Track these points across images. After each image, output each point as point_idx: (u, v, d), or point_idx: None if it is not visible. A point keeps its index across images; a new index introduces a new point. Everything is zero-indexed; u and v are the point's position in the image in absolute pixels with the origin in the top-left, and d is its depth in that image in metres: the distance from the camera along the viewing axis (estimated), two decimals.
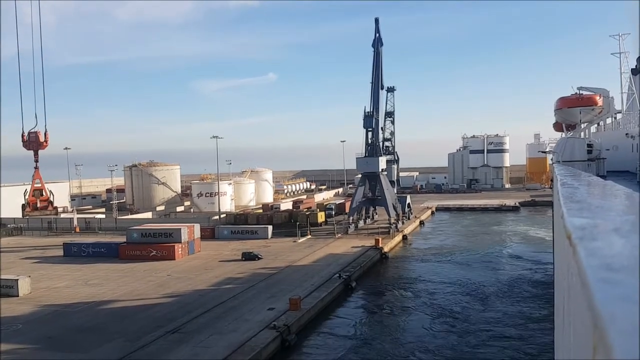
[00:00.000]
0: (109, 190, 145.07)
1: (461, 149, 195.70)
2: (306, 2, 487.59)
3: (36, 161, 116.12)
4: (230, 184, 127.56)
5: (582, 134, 72.67)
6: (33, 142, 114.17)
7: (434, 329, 44.33)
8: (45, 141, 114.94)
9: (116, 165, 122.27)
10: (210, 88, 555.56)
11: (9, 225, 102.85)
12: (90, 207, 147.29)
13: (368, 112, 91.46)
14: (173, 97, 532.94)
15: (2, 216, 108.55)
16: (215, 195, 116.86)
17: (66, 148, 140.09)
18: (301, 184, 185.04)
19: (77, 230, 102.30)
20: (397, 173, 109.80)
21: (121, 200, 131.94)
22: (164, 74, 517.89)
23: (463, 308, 49.70)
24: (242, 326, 42.06)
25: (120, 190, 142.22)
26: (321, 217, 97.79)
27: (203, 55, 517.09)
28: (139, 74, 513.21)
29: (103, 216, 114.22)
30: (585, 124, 74.04)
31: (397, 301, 54.04)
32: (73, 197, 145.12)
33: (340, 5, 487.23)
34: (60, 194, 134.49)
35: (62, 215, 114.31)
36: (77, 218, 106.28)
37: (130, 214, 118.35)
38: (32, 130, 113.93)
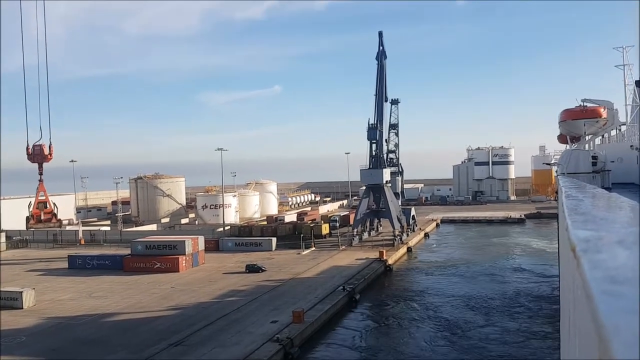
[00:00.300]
0: (114, 203, 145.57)
1: (466, 161, 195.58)
2: (312, 14, 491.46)
3: (40, 174, 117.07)
4: (234, 196, 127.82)
5: (587, 146, 72.46)
6: (38, 155, 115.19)
7: (435, 343, 44.02)
8: (50, 154, 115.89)
9: (121, 177, 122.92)
10: (216, 100, 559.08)
11: (14, 238, 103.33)
12: (95, 219, 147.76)
13: (372, 124, 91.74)
14: (179, 110, 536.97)
15: (7, 229, 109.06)
16: (219, 207, 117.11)
17: (72, 161, 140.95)
18: (306, 196, 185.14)
19: (82, 242, 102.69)
20: (402, 185, 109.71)
21: (126, 213, 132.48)
22: (170, 86, 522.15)
23: (465, 322, 49.33)
24: (245, 339, 41.96)
25: (126, 203, 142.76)
26: (325, 229, 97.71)
27: (209, 68, 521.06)
28: (146, 86, 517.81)
29: (108, 228, 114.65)
30: (590, 136, 73.87)
31: (400, 314, 53.74)
32: (79, 210, 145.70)
33: (345, 17, 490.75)
34: (66, 206, 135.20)
35: (68, 228, 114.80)
36: (82, 230, 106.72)
37: (135, 226, 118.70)
38: (36, 143, 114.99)
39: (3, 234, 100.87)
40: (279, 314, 48.43)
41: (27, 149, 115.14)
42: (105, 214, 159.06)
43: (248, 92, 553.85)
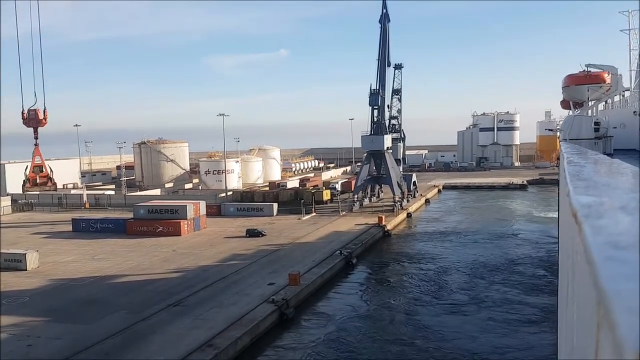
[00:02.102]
0: (119, 167, 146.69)
1: (471, 127, 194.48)
2: None
3: (36, 138, 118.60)
4: (237, 161, 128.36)
5: (590, 111, 71.85)
6: (32, 120, 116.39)
7: (430, 307, 44.94)
8: (45, 119, 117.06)
9: (124, 142, 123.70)
10: (222, 64, 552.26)
11: (19, 201, 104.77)
12: (100, 183, 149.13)
13: (374, 89, 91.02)
14: (185, 73, 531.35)
15: (11, 192, 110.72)
16: (222, 172, 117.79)
17: (76, 125, 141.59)
18: (309, 162, 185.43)
19: (87, 206, 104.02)
20: (403, 151, 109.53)
21: (131, 177, 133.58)
22: (176, 49, 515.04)
23: (459, 286, 50.22)
24: (241, 300, 43.01)
25: (130, 167, 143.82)
26: (326, 195, 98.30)
27: (216, 30, 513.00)
28: (152, 50, 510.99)
29: (112, 193, 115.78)
30: (593, 102, 73.16)
31: (395, 278, 54.69)
32: (83, 174, 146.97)
33: None
34: (71, 170, 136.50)
35: (72, 192, 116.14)
36: (87, 194, 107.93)
37: (140, 191, 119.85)
38: (31, 108, 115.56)
39: (5, 198, 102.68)
40: (276, 277, 49.41)
41: (23, 113, 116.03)
42: (109, 178, 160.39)
43: (255, 55, 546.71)
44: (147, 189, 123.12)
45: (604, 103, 76.73)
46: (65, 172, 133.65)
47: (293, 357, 35.47)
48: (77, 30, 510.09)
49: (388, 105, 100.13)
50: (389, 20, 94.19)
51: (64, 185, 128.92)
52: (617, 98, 76.74)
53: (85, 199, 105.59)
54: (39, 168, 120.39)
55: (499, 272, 54.60)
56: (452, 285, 50.39)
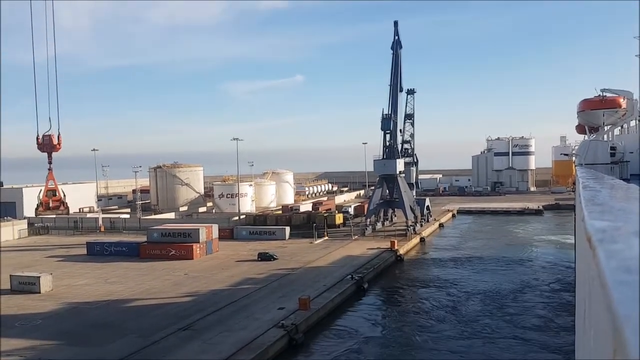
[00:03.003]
0: (134, 191, 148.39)
1: (485, 152, 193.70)
2: (333, 2, 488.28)
3: (50, 163, 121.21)
4: (250, 185, 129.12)
5: (605, 136, 71.46)
6: (47, 145, 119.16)
7: (441, 334, 44.36)
8: (59, 144, 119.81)
9: (140, 166, 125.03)
10: (239, 90, 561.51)
11: (36, 225, 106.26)
12: (116, 207, 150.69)
13: (386, 114, 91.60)
14: (201, 99, 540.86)
15: (28, 215, 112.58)
16: (235, 196, 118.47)
17: (94, 149, 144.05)
18: (323, 186, 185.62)
19: (102, 229, 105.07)
20: (416, 175, 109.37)
21: (146, 201, 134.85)
22: (193, 76, 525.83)
23: (471, 312, 49.56)
24: (251, 324, 42.91)
25: (146, 191, 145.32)
26: (339, 218, 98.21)
27: (233, 57, 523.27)
28: (169, 76, 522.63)
29: (128, 216, 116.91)
30: (609, 127, 72.86)
31: (406, 304, 54.17)
32: (100, 198, 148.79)
33: (367, 5, 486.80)
34: (88, 194, 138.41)
35: (88, 215, 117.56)
36: (102, 218, 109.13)
37: (154, 214, 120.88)
38: (46, 134, 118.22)
39: (21, 221, 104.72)
40: (286, 301, 49.26)
41: (37, 139, 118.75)
42: (125, 202, 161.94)
43: (270, 81, 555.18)
44: (161, 212, 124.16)
45: (619, 128, 76.31)
46: (82, 196, 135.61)
47: None
48: (98, 57, 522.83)
49: (400, 130, 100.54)
50: (400, 47, 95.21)
51: (80, 209, 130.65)
52: (633, 123, 76.00)
53: (100, 222, 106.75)
54: (52, 192, 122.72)
55: (511, 299, 53.81)
56: (465, 312, 49.70)
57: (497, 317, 47.89)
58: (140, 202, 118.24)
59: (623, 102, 67.67)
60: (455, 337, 43.08)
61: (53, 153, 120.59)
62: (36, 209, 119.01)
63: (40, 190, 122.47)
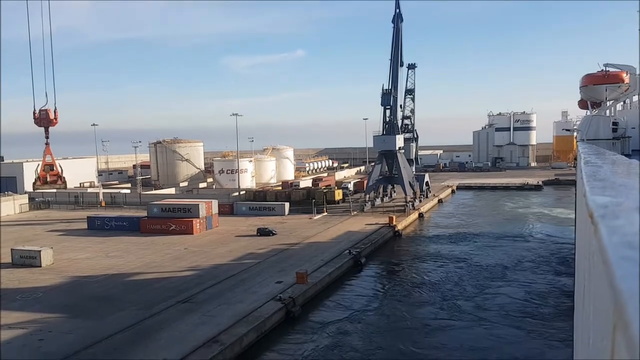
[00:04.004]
0: (135, 166, 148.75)
1: (487, 127, 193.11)
2: None
3: (47, 137, 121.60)
4: (250, 161, 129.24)
5: (608, 112, 71.05)
6: (44, 119, 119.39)
7: (436, 308, 44.96)
8: (55, 118, 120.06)
9: (140, 141, 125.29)
10: (240, 64, 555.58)
11: (36, 199, 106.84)
12: (116, 182, 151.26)
13: (386, 89, 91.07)
14: (202, 74, 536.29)
15: (29, 190, 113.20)
16: (235, 172, 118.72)
17: (94, 124, 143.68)
18: (323, 162, 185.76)
19: (103, 204, 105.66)
20: (416, 151, 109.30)
21: (146, 176, 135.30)
22: (193, 50, 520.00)
23: (465, 288, 50.09)
24: (249, 297, 43.51)
25: (146, 166, 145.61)
26: (338, 194, 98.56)
27: (233, 32, 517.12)
28: (169, 51, 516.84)
29: (128, 191, 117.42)
30: (611, 102, 72.41)
31: (402, 278, 54.72)
32: (100, 172, 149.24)
33: None
34: (88, 169, 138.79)
35: (89, 190, 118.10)
36: (103, 193, 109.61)
37: (155, 190, 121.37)
38: (42, 108, 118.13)
39: (22, 196, 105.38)
40: (284, 275, 49.84)
41: (34, 113, 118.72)
42: (126, 177, 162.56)
43: (271, 55, 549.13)
44: (162, 188, 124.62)
45: (622, 103, 75.89)
46: (83, 171, 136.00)
47: (298, 354, 35.82)
48: (97, 31, 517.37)
49: (401, 105, 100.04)
50: (401, 20, 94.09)
51: (80, 184, 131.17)
52: (635, 98, 75.63)
53: (101, 197, 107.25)
54: (49, 167, 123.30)
55: (507, 272, 54.36)
56: (460, 286, 50.26)
57: (489, 293, 48.41)
58: (141, 177, 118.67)
59: (626, 77, 67.10)
60: (447, 315, 43.65)
61: (50, 128, 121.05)
62: (34, 184, 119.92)
63: (38, 164, 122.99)
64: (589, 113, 75.65)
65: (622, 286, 1.89)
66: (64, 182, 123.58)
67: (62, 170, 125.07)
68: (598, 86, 69.88)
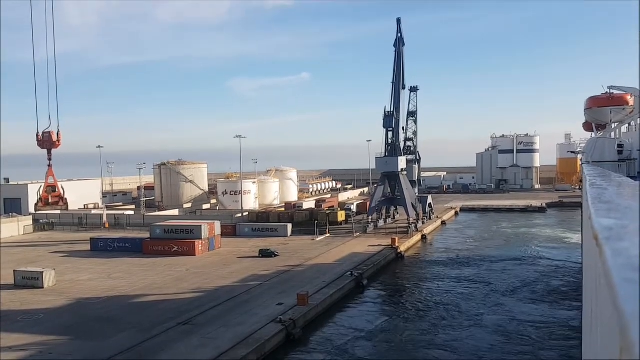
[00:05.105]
0: (139, 188, 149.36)
1: (490, 149, 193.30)
2: (338, 1, 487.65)
3: (49, 159, 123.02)
4: (254, 182, 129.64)
5: (613, 134, 71.23)
6: (47, 142, 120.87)
7: (437, 332, 44.66)
8: (58, 140, 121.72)
9: (144, 163, 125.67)
10: (245, 87, 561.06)
11: (41, 221, 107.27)
12: (121, 203, 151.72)
13: (388, 111, 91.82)
14: (208, 97, 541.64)
15: (33, 212, 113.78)
16: (239, 193, 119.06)
17: (99, 146, 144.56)
18: (327, 183, 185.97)
19: (107, 226, 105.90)
20: (419, 173, 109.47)
21: (151, 198, 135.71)
22: (200, 73, 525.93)
23: (467, 310, 49.83)
24: (250, 319, 43.38)
25: (150, 188, 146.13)
26: (341, 216, 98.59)
27: (239, 55, 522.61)
28: (176, 74, 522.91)
29: (132, 213, 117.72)
30: (616, 124, 72.65)
31: (404, 300, 54.49)
32: (104, 194, 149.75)
33: (371, 4, 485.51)
34: (93, 191, 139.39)
35: (93, 212, 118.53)
36: (107, 214, 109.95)
37: (159, 211, 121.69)
38: (46, 130, 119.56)
39: (27, 217, 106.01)
40: (285, 297, 49.71)
41: (37, 135, 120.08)
42: (130, 198, 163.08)
43: (277, 78, 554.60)
44: (166, 209, 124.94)
45: (627, 125, 76.17)
46: (87, 193, 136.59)
47: None
48: (105, 54, 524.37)
49: (403, 128, 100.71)
50: (403, 44, 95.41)
51: (85, 205, 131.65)
52: None
53: (105, 218, 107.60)
54: (51, 188, 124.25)
55: (511, 297, 54.03)
56: (463, 310, 49.95)
57: (493, 313, 48.09)
58: (145, 198, 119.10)
59: (630, 100, 67.44)
60: (448, 335, 43.35)
61: (53, 150, 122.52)
62: (36, 205, 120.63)
63: (40, 186, 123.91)
64: (593, 135, 75.87)
65: (626, 308, 1.89)
66: (66, 204, 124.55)
67: (64, 191, 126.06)
68: (603, 108, 70.20)
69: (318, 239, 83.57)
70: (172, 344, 38.12)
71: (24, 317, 45.47)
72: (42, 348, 37.73)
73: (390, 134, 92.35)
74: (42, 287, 55.32)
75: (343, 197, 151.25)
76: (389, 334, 43.83)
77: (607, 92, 69.75)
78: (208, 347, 37.49)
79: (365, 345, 41.07)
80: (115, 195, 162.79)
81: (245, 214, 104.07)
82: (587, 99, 73.76)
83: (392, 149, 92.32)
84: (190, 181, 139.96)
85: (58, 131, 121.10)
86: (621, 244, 2.99)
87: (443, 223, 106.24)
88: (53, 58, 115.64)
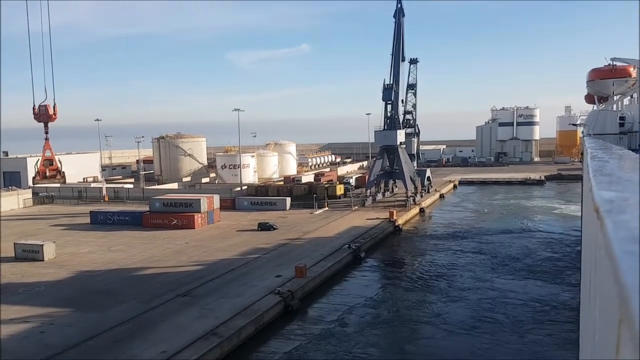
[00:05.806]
0: (138, 161, 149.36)
1: (490, 122, 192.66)
2: None
3: (46, 133, 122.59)
4: (253, 156, 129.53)
5: (615, 106, 70.85)
6: (43, 115, 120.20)
7: (435, 302, 45.28)
8: (54, 114, 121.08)
9: (143, 136, 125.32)
10: (245, 60, 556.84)
11: (40, 194, 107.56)
12: (120, 177, 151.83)
13: (387, 84, 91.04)
14: (207, 70, 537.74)
15: (33, 185, 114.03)
16: (237, 167, 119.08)
17: (97, 119, 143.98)
18: (326, 157, 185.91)
19: (106, 199, 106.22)
20: (418, 146, 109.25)
21: (150, 171, 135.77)
22: (198, 46, 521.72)
23: (466, 282, 50.41)
24: (248, 291, 43.93)
25: (149, 162, 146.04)
26: (340, 189, 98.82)
27: (238, 27, 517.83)
28: (174, 46, 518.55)
29: (131, 186, 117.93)
30: (618, 96, 72.23)
31: (401, 271, 55.14)
32: (104, 168, 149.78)
33: None
34: (92, 164, 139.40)
35: (92, 185, 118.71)
36: (106, 188, 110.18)
37: (158, 184, 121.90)
38: (42, 104, 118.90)
39: (26, 190, 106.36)
40: (283, 269, 50.22)
41: (34, 109, 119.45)
42: (129, 172, 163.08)
43: (276, 50, 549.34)
44: (165, 183, 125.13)
45: (629, 97, 75.68)
46: (86, 166, 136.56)
47: (296, 347, 36.20)
48: (102, 27, 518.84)
49: (402, 100, 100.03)
50: (403, 15, 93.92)
51: (84, 178, 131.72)
52: None
53: (104, 192, 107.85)
54: (49, 161, 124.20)
55: (506, 269, 54.60)
56: (459, 281, 50.54)
57: (485, 288, 48.65)
58: (144, 172, 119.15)
59: (633, 71, 66.90)
60: (445, 305, 43.95)
61: (50, 123, 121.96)
62: (33, 178, 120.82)
63: (38, 159, 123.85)
64: (595, 108, 75.48)
65: (627, 280, 1.90)
66: (63, 177, 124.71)
67: (61, 165, 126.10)
68: (605, 80, 69.69)
69: (317, 213, 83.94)
70: (172, 315, 38.66)
71: (25, 289, 46.01)
72: (43, 320, 38.27)
73: (389, 106, 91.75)
74: (43, 260, 55.80)
75: (342, 170, 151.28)
76: (385, 305, 44.45)
77: (609, 64, 69.08)
78: (207, 317, 38.05)
79: (362, 316, 41.65)
80: (115, 169, 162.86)
81: (244, 187, 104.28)
82: (590, 71, 73.16)
83: (391, 122, 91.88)
84: (189, 155, 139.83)
85: (54, 104, 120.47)
86: (622, 216, 3.01)
87: (441, 196, 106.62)
88: (48, 30, 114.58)
